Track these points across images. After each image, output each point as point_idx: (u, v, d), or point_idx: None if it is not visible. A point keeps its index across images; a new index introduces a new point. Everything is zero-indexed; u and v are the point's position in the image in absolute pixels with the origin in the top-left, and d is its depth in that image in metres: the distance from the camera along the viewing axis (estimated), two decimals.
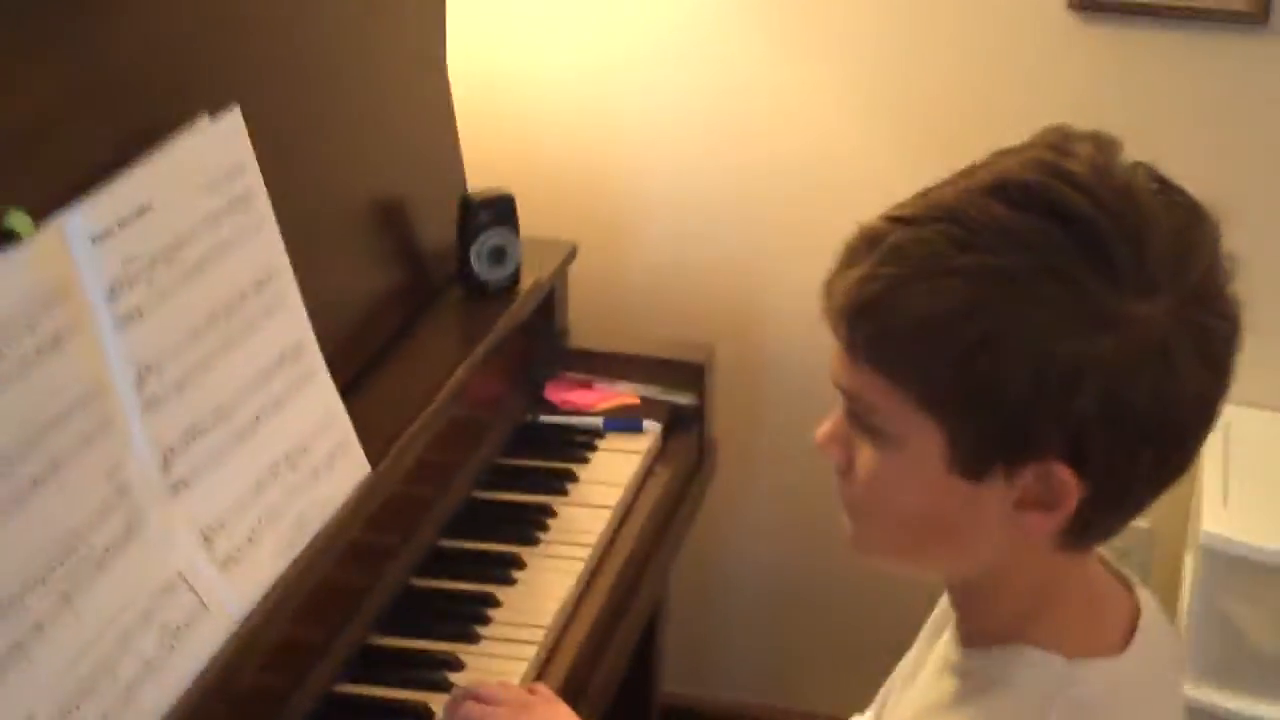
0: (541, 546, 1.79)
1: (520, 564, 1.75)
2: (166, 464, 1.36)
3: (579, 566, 1.75)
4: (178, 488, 1.37)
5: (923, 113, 2.22)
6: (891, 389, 1.00)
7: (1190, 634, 2.05)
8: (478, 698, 1.47)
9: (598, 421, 2.01)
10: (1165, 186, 1.00)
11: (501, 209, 1.94)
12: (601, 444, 1.98)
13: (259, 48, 1.65)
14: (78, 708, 1.21)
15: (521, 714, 1.45)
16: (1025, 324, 0.96)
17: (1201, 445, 1.01)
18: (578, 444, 1.98)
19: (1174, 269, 0.97)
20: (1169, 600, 2.32)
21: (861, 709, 1.32)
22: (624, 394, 2.05)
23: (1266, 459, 2.14)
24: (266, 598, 1.41)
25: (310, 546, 1.48)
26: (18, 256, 1.23)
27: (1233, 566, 2.01)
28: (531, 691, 1.50)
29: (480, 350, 1.82)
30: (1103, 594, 1.09)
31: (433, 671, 1.58)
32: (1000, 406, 0.97)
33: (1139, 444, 0.98)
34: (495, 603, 1.68)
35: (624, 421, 2.01)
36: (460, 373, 1.77)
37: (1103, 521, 1.02)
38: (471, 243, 1.92)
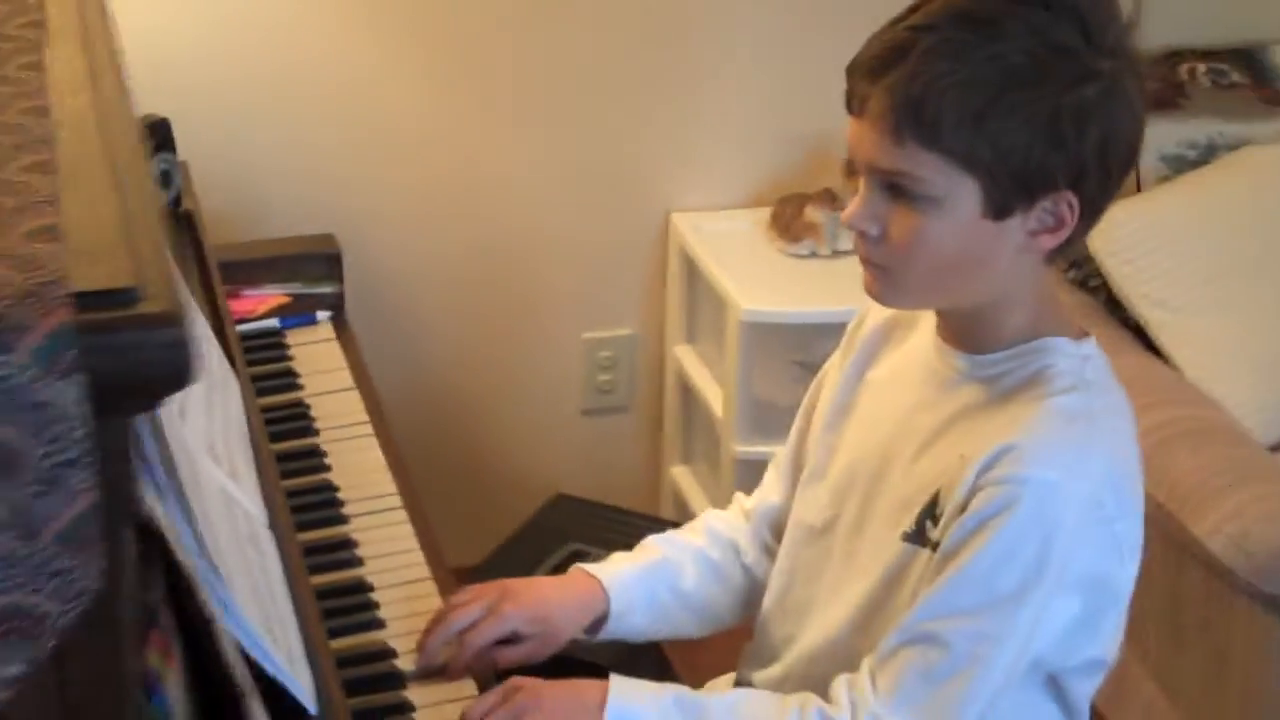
0: (325, 434, 1.88)
1: (322, 453, 1.84)
2: None
3: (374, 443, 1.87)
4: (183, 414, 1.39)
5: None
6: (937, 160, 1.27)
7: (737, 404, 2.53)
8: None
9: (274, 323, 2.08)
10: None
11: (163, 133, 1.95)
12: (288, 341, 2.07)
13: None
14: (272, 618, 1.26)
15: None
16: (1044, 88, 1.26)
17: None
18: (267, 347, 2.05)
19: (1119, 31, 1.32)
20: (655, 384, 2.78)
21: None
22: (275, 295, 2.13)
23: (732, 248, 2.63)
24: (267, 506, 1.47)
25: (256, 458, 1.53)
26: None
27: (770, 332, 2.51)
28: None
29: (215, 272, 1.86)
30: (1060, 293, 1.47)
31: (341, 552, 1.67)
32: (1029, 156, 1.27)
33: (1115, 165, 1.32)
34: (335, 487, 1.78)
35: (299, 317, 2.10)
36: (221, 297, 1.80)
37: (1081, 234, 1.34)
38: None
